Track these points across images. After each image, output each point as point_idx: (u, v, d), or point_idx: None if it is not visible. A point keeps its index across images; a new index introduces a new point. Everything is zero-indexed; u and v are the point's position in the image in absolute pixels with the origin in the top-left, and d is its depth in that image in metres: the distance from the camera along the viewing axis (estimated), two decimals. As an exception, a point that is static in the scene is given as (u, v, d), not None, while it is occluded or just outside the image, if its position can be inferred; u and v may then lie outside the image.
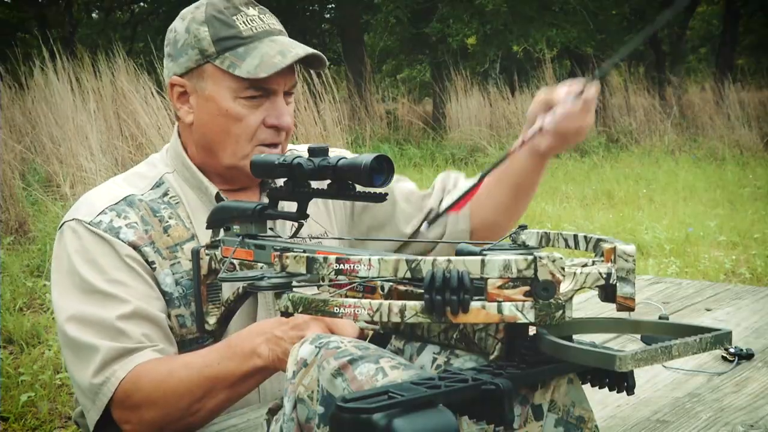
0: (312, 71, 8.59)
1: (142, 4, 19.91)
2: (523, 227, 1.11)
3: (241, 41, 1.52)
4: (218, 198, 1.59)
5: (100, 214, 1.51)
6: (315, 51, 1.55)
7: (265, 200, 1.30)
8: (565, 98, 1.42)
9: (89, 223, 1.49)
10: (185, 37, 1.55)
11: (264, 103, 1.54)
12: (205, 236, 1.54)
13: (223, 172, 1.60)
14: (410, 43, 17.36)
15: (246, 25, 1.53)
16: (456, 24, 14.31)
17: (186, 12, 1.58)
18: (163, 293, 1.50)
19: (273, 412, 1.09)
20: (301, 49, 1.52)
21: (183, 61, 1.56)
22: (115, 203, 1.53)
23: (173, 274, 1.52)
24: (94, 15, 21.11)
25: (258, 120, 1.54)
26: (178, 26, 1.58)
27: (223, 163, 1.58)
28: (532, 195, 1.71)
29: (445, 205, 1.72)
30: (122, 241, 1.48)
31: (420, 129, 13.47)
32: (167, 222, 1.55)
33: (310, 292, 0.97)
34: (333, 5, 19.31)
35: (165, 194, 1.59)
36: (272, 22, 1.58)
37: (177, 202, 1.58)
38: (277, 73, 1.51)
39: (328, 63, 1.60)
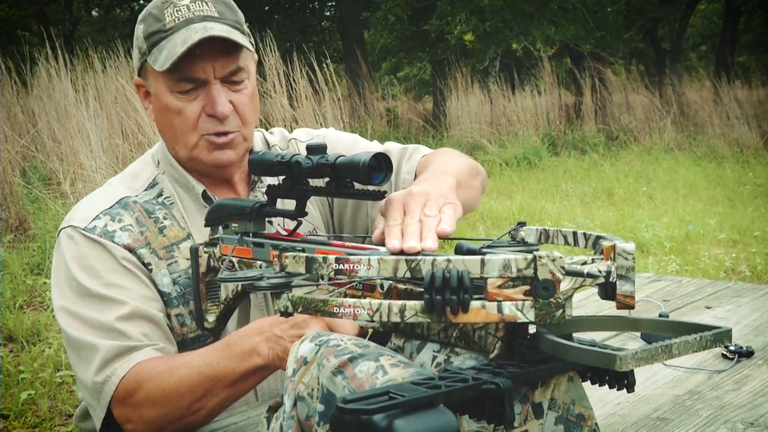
0: (311, 68, 8.59)
1: (141, 1, 19.89)
2: (521, 224, 1.11)
3: (163, 34, 1.51)
4: (205, 196, 1.60)
5: (94, 219, 1.52)
6: (215, 33, 1.47)
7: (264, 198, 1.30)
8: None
9: (84, 229, 1.51)
10: (134, 37, 1.58)
11: (200, 93, 1.53)
12: (199, 235, 1.55)
13: (191, 166, 1.61)
14: (410, 41, 17.35)
15: (171, 17, 1.51)
16: (455, 22, 14.30)
17: None
18: (161, 294, 1.51)
19: (273, 409, 1.09)
20: (200, 34, 1.47)
21: (134, 61, 1.59)
22: (110, 207, 1.55)
23: (170, 273, 1.52)
24: (94, 13, 21.10)
25: (195, 111, 1.53)
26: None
27: (181, 156, 1.59)
28: None
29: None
30: (117, 244, 1.50)
31: (420, 127, 13.47)
32: (162, 222, 1.56)
33: (308, 289, 0.97)
34: (333, 3, 19.30)
35: (159, 195, 1.60)
36: (201, 8, 1.53)
37: (171, 203, 1.59)
38: (203, 61, 1.49)
39: (249, 46, 1.54)
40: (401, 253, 1.03)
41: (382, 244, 1.10)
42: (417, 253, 1.03)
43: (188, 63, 1.48)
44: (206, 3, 1.55)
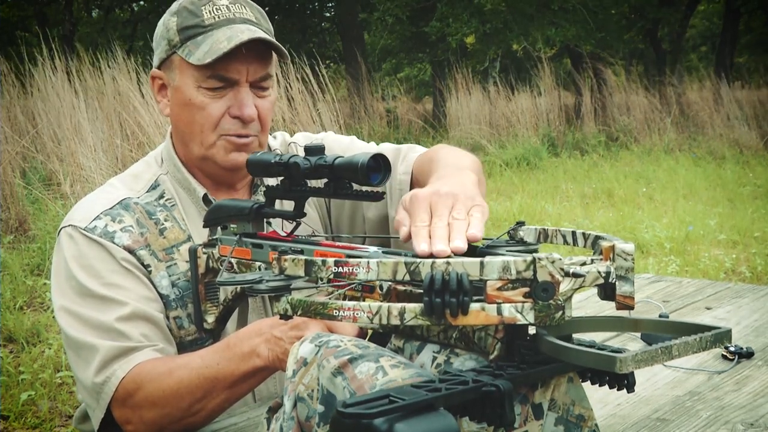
0: (313, 69, 8.60)
1: (141, 2, 19.89)
2: (520, 223, 1.11)
3: (201, 30, 1.52)
4: (206, 199, 1.60)
5: (95, 219, 1.52)
6: (262, 36, 1.51)
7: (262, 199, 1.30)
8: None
9: (84, 229, 1.50)
10: (161, 29, 1.58)
11: (227, 93, 1.54)
12: (199, 237, 1.55)
13: (201, 166, 1.61)
14: (410, 42, 17.35)
15: (210, 14, 1.53)
16: (455, 23, 14.29)
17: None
18: (160, 296, 1.51)
19: (273, 410, 1.09)
20: (248, 35, 1.49)
21: (158, 52, 1.59)
22: (110, 207, 1.54)
23: (169, 276, 1.52)
24: (93, 13, 21.09)
25: (220, 110, 1.54)
26: (160, 20, 1.61)
27: (195, 154, 1.59)
28: None
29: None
30: (117, 245, 1.49)
31: (420, 127, 13.47)
32: (163, 224, 1.56)
33: (307, 292, 0.97)
34: (332, 3, 19.30)
35: (161, 196, 1.60)
36: (241, 11, 1.56)
37: (173, 205, 1.59)
38: (238, 62, 1.51)
39: (287, 54, 1.57)
40: (430, 256, 0.98)
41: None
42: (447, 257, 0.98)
43: (224, 62, 1.50)
44: (245, 7, 1.58)
